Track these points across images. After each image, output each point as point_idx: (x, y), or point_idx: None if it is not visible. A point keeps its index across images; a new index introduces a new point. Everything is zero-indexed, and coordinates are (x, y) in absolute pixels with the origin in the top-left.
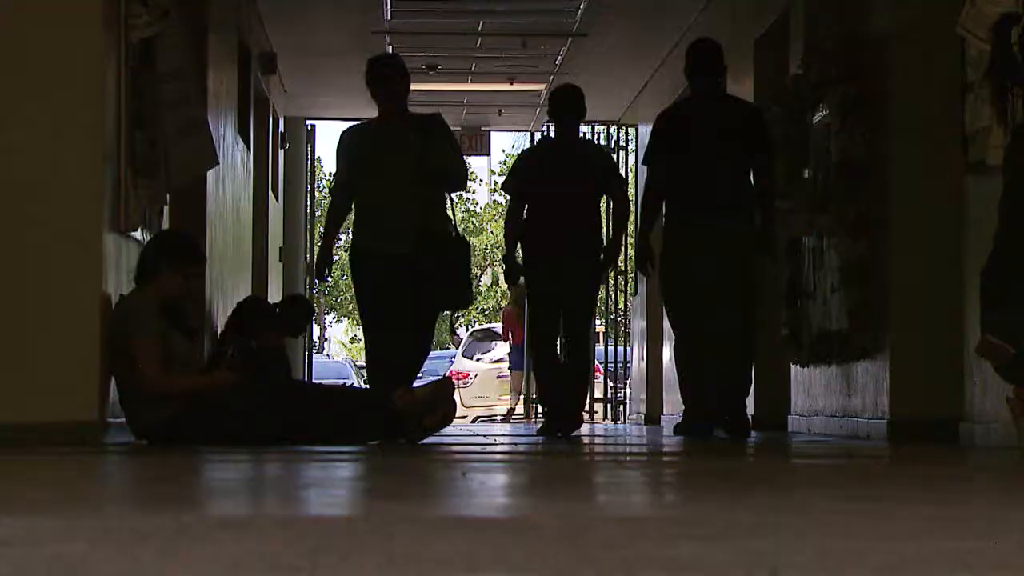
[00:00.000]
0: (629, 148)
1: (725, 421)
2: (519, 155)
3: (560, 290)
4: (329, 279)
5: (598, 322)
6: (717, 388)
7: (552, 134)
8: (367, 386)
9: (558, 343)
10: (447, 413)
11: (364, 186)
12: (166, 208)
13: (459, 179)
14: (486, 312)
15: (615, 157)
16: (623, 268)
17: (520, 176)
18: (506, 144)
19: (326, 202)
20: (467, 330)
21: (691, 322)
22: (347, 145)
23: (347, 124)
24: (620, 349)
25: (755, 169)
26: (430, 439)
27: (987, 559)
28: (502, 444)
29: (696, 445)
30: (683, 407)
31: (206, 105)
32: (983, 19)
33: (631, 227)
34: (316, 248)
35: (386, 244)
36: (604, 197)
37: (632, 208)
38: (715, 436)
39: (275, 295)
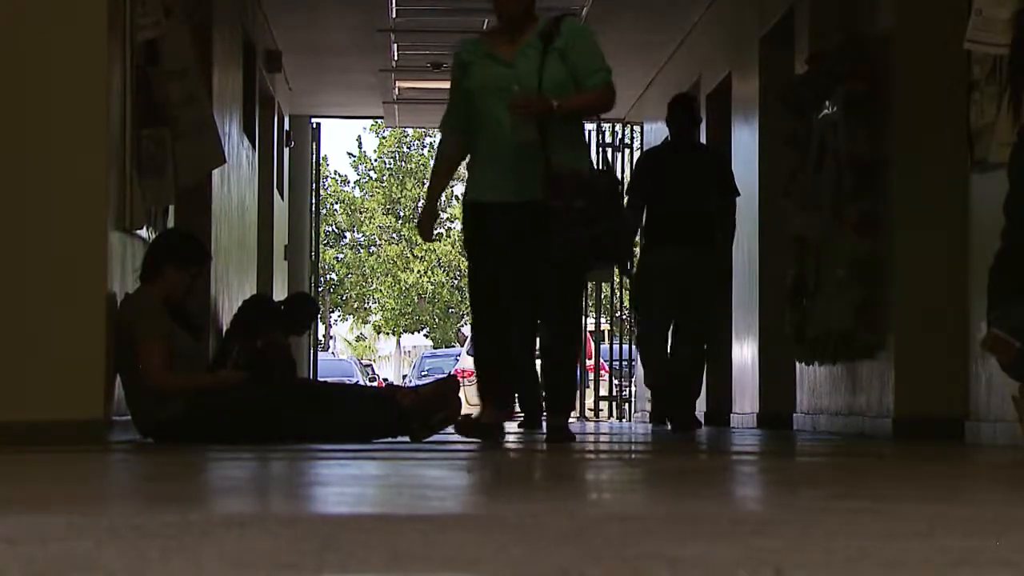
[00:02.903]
0: (635, 146)
1: (675, 419)
2: None
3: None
4: (433, 239)
5: (603, 320)
6: (671, 388)
7: None
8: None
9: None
10: (452, 411)
11: (473, 119)
12: (171, 206)
13: (600, 98)
14: None
15: (620, 155)
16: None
17: None
18: None
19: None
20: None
21: (654, 334)
22: (455, 67)
23: (351, 123)
24: (624, 347)
25: (721, 208)
26: (434, 437)
27: (990, 557)
28: (506, 442)
29: (698, 444)
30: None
31: (212, 103)
32: (995, 23)
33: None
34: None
35: (504, 193)
36: None
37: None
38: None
39: (280, 293)
